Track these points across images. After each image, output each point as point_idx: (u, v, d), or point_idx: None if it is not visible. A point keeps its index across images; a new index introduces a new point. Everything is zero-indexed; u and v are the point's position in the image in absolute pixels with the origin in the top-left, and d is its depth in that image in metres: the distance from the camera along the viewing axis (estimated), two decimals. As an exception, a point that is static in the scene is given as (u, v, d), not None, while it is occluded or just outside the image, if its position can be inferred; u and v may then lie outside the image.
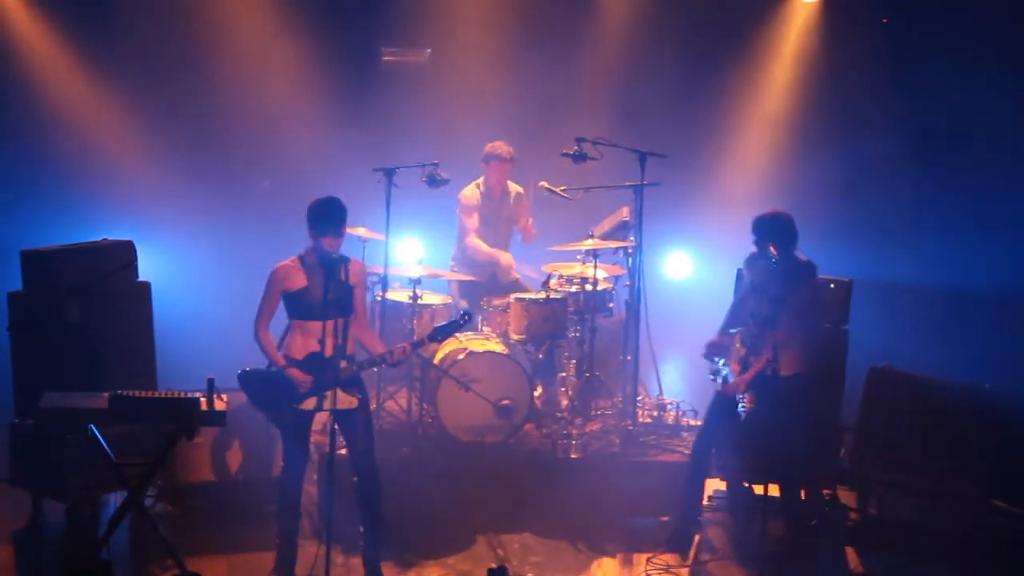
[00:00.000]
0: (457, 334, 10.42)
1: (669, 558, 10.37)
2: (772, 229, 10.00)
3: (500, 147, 12.29)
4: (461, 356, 11.13)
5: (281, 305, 9.42)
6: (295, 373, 9.27)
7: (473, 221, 12.42)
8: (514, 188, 12.52)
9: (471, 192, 12.44)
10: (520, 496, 10.88)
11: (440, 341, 9.80)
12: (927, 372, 11.15)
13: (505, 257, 12.41)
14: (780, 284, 9.85)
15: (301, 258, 9.36)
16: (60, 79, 13.66)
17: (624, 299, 11.91)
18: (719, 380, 10.25)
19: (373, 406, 11.14)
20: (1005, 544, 10.55)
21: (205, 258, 13.99)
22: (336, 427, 9.20)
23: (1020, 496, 10.76)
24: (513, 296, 11.79)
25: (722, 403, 10.26)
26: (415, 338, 10.53)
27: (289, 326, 9.46)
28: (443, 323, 9.64)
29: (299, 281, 9.30)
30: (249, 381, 9.43)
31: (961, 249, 13.64)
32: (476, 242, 12.43)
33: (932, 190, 13.87)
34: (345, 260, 9.34)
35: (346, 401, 9.26)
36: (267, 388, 9.38)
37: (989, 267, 13.47)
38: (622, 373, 11.96)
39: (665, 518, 10.93)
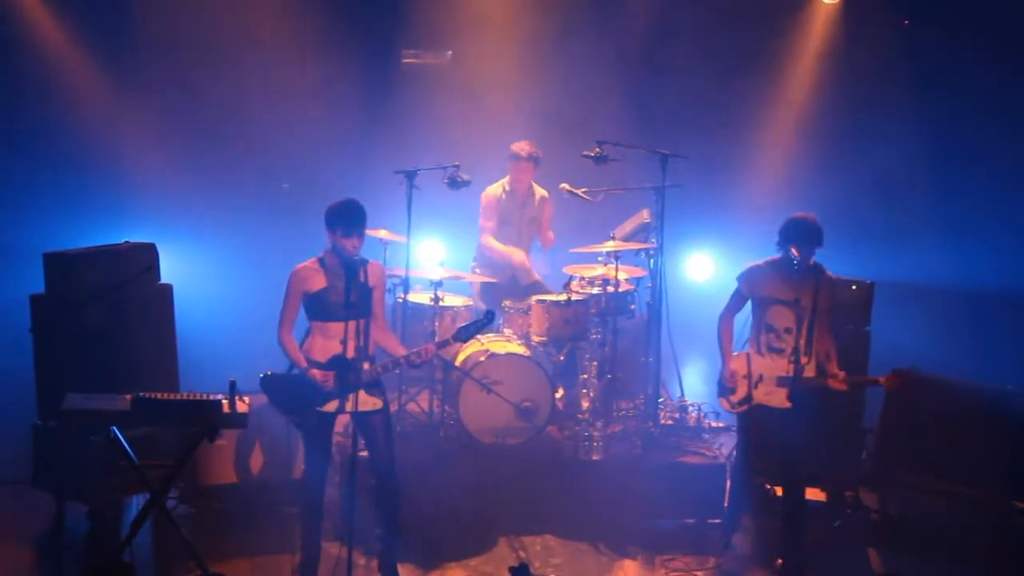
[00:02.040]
0: (479, 336, 10.42)
1: (688, 560, 10.37)
2: (808, 233, 9.80)
3: (524, 147, 12.28)
4: (483, 358, 11.13)
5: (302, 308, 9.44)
6: (317, 374, 9.26)
7: (490, 221, 12.44)
8: (539, 191, 12.50)
9: (492, 191, 12.44)
10: (542, 498, 10.88)
11: (465, 340, 9.81)
12: (949, 374, 11.11)
13: (518, 255, 12.39)
14: (815, 291, 9.79)
15: (321, 260, 9.36)
16: (83, 82, 13.71)
17: (646, 301, 11.89)
18: (744, 404, 10.08)
19: (395, 408, 11.14)
20: (1026, 545, 10.55)
21: (227, 260, 14.02)
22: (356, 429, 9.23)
23: (1041, 498, 10.77)
24: (534, 298, 11.78)
25: (758, 417, 10.07)
26: (437, 339, 10.54)
27: (309, 329, 9.46)
28: (467, 323, 9.65)
29: (318, 282, 9.31)
30: (271, 385, 9.42)
31: (984, 251, 13.62)
32: (490, 241, 12.45)
33: (956, 191, 13.84)
34: (364, 262, 9.34)
35: (368, 403, 9.26)
36: (289, 392, 9.37)
37: (1012, 269, 13.44)
38: (644, 375, 11.96)
39: (689, 520, 10.94)
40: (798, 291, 9.81)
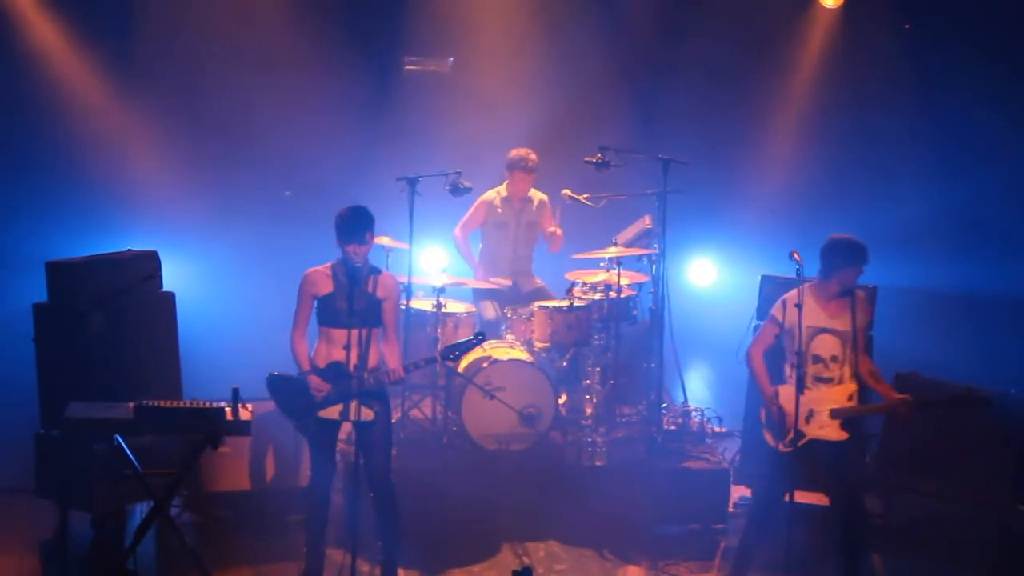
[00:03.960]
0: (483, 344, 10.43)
1: (691, 566, 10.37)
2: (864, 256, 9.50)
3: (523, 154, 12.29)
4: (485, 364, 11.13)
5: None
6: (314, 380, 9.30)
7: (473, 217, 12.52)
8: (538, 196, 12.52)
9: (489, 195, 12.46)
10: (545, 504, 10.87)
11: (454, 360, 9.84)
12: (952, 378, 11.10)
13: (472, 265, 12.55)
14: (852, 311, 9.50)
15: (334, 266, 9.41)
16: (85, 91, 13.70)
17: (648, 306, 11.89)
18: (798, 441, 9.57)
19: (398, 414, 11.15)
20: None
21: (230, 268, 14.02)
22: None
23: (1046, 502, 10.76)
24: (537, 304, 11.78)
25: (813, 453, 9.61)
26: (439, 347, 10.56)
27: (319, 334, 9.49)
28: (457, 342, 9.66)
29: (326, 287, 9.34)
30: (276, 386, 9.46)
31: (986, 255, 13.62)
32: (459, 236, 12.58)
33: (958, 195, 13.83)
34: (375, 272, 9.36)
35: (364, 413, 9.26)
36: (292, 394, 9.40)
37: (1015, 273, 13.44)
38: (646, 380, 11.95)
39: (693, 526, 10.95)
40: (841, 315, 9.53)
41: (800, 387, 9.39)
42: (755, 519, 10.03)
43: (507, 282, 12.39)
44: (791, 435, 9.46)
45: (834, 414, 9.47)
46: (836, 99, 14.58)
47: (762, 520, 9.86)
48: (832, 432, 9.50)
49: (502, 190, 12.45)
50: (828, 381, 9.54)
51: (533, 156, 12.29)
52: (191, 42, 13.88)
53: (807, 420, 9.50)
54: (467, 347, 9.62)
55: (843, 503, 9.63)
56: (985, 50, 13.61)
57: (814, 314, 9.50)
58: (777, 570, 9.43)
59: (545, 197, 12.53)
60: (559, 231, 12.42)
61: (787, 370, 9.60)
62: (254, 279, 13.57)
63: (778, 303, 9.67)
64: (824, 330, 9.52)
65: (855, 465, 9.69)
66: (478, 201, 12.45)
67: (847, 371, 9.54)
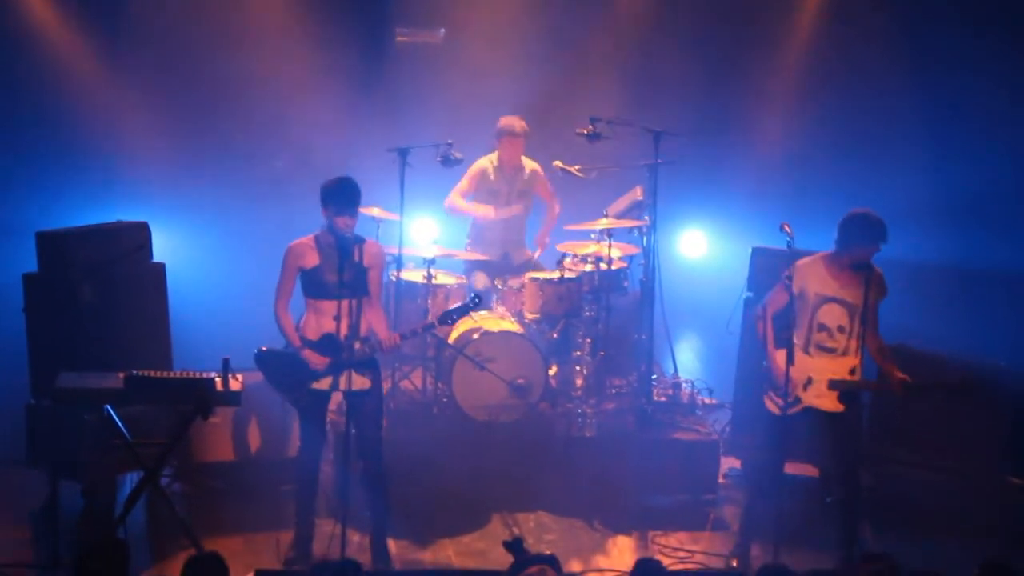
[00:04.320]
0: (472, 313, 10.43)
1: (681, 537, 10.41)
2: (884, 233, 9.48)
3: (513, 122, 12.25)
4: (476, 335, 11.13)
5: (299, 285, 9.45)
6: (309, 355, 9.28)
7: (466, 186, 12.43)
8: (529, 164, 12.47)
9: (480, 164, 12.40)
10: (535, 475, 10.90)
11: (451, 324, 9.86)
12: (942, 350, 11.12)
13: (483, 209, 12.39)
14: (866, 286, 9.48)
15: (317, 237, 9.38)
16: (75, 60, 13.65)
17: (639, 278, 11.89)
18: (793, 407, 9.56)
19: (388, 385, 11.16)
20: (1021, 522, 10.54)
21: (219, 239, 14.00)
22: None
23: (1035, 473, 10.79)
24: (528, 276, 11.78)
25: (807, 422, 9.68)
26: (429, 318, 10.56)
27: (305, 306, 9.47)
28: (453, 307, 9.68)
29: (312, 259, 9.32)
30: (265, 361, 9.45)
31: (978, 227, 13.61)
32: (453, 199, 12.45)
33: (950, 168, 13.82)
34: (360, 240, 9.35)
35: (358, 382, 9.27)
36: (283, 368, 9.40)
37: (1006, 245, 13.44)
38: (637, 352, 11.94)
39: (683, 496, 10.98)
40: (851, 287, 9.50)
41: (791, 356, 9.33)
42: (754, 486, 10.08)
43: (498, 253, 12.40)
44: (789, 399, 9.43)
45: (832, 385, 9.47)
46: (829, 71, 14.52)
47: (762, 486, 9.87)
48: (828, 403, 9.51)
49: (494, 158, 12.41)
50: (831, 351, 9.54)
51: (522, 123, 12.25)
52: (182, 14, 13.83)
53: (804, 387, 9.50)
54: (464, 311, 9.66)
55: (839, 475, 9.69)
56: (980, 22, 13.58)
57: (824, 282, 9.50)
58: (768, 541, 9.44)
59: (537, 166, 12.48)
60: (547, 240, 12.48)
61: (796, 337, 9.50)
62: (244, 250, 13.56)
63: (795, 267, 9.51)
64: (832, 299, 9.50)
65: (851, 438, 9.66)
66: (471, 169, 12.40)
67: (853, 344, 9.52)
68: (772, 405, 9.59)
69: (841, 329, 9.53)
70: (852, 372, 9.52)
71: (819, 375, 9.49)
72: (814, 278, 9.53)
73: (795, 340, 9.46)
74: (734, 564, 9.94)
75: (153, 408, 10.09)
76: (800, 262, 9.56)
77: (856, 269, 9.51)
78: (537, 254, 12.58)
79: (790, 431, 9.50)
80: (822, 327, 9.51)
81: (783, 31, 14.69)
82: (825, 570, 9.31)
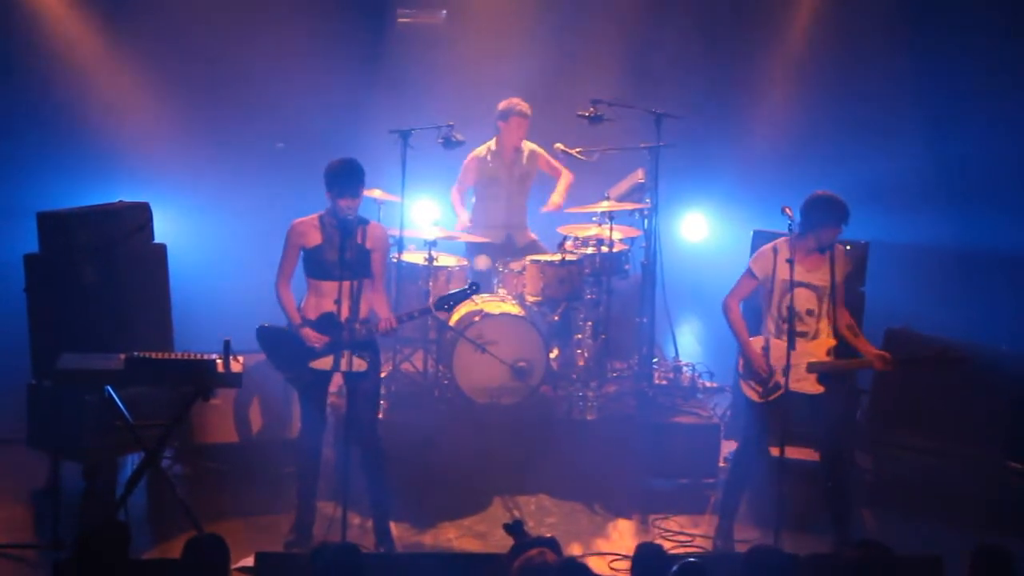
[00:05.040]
0: (473, 296, 10.42)
1: (681, 520, 10.41)
2: (846, 215, 9.41)
3: (515, 103, 12.23)
4: (477, 318, 11.12)
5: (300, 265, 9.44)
6: (308, 333, 9.27)
7: (465, 176, 12.47)
8: (528, 146, 12.42)
9: (478, 151, 12.38)
10: (536, 458, 10.91)
11: (448, 310, 9.84)
12: (944, 334, 11.10)
13: (461, 219, 12.43)
14: (831, 266, 9.46)
15: (321, 217, 9.36)
16: (78, 41, 13.64)
17: (640, 261, 11.89)
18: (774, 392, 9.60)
19: (389, 367, 11.17)
20: (1021, 506, 10.55)
21: (221, 220, 13.99)
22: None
23: (1036, 458, 10.79)
24: (529, 258, 11.77)
25: (790, 406, 9.67)
26: (429, 300, 10.55)
27: (307, 287, 9.46)
28: (450, 292, 9.67)
29: (314, 239, 9.31)
30: (266, 337, 9.44)
31: (979, 210, 13.60)
32: (452, 195, 12.57)
33: (951, 150, 13.80)
34: (364, 222, 9.33)
35: (356, 364, 9.25)
36: (283, 346, 9.39)
37: (1007, 229, 13.43)
38: (638, 335, 11.96)
39: (683, 480, 11.00)
40: (817, 269, 9.51)
41: (767, 344, 9.45)
42: (732, 471, 10.11)
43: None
44: (771, 384, 9.50)
45: (810, 368, 9.49)
46: (830, 53, 14.49)
47: (739, 473, 9.93)
48: (809, 386, 9.53)
49: (491, 144, 12.38)
50: (803, 336, 9.51)
51: (523, 104, 12.22)
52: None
53: (783, 373, 9.47)
54: (461, 297, 9.62)
55: (826, 456, 9.72)
56: (979, 2, 13.56)
57: (788, 268, 9.36)
58: (768, 526, 9.44)
59: (537, 147, 12.46)
60: (560, 201, 12.41)
61: (768, 323, 9.58)
62: (246, 231, 13.54)
63: (755, 255, 9.69)
64: (799, 283, 9.45)
65: (836, 419, 9.68)
66: (467, 159, 12.39)
67: (824, 325, 9.55)
68: (751, 392, 9.68)
69: (810, 312, 9.55)
70: (829, 353, 9.54)
71: (797, 359, 9.42)
72: (779, 264, 9.49)
73: (770, 327, 9.56)
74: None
75: (154, 389, 10.06)
76: (762, 249, 9.65)
77: (821, 251, 9.51)
78: (545, 209, 12.47)
79: (775, 416, 9.54)
80: (791, 311, 9.42)
81: (784, 14, 14.66)
82: (824, 554, 9.31)
